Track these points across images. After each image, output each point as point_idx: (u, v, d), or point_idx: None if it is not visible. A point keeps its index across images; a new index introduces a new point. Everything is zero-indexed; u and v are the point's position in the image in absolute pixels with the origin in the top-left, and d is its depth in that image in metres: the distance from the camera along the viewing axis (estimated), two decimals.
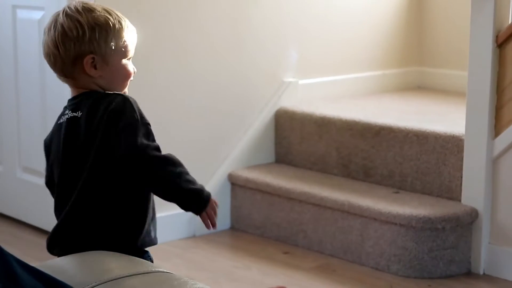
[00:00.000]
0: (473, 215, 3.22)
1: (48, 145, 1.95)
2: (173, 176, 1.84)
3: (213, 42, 3.68)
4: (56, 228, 1.88)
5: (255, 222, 3.67)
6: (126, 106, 1.83)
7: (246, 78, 3.82)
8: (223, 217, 3.75)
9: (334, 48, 4.19)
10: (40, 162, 3.61)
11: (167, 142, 3.50)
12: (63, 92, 3.42)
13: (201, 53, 3.65)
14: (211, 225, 1.95)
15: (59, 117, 1.93)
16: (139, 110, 1.86)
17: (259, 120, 3.86)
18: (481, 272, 3.24)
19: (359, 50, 4.30)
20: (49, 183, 1.95)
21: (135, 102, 1.86)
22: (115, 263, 1.61)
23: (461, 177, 3.28)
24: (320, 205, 3.43)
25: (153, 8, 3.46)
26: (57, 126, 1.92)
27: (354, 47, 4.27)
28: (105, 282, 1.48)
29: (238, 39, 3.77)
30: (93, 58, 1.86)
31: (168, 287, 1.48)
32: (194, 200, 1.89)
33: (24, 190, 3.74)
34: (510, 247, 3.19)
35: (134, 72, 1.95)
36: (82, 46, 1.85)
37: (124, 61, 1.90)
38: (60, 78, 1.94)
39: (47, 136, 1.97)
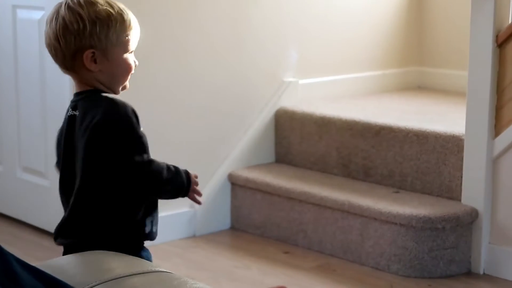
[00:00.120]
0: (473, 215, 3.22)
1: (59, 138, 1.97)
2: (160, 186, 1.90)
3: (213, 42, 3.68)
4: (62, 219, 1.92)
5: (255, 222, 3.68)
6: (113, 120, 1.83)
7: (246, 78, 3.82)
8: (223, 217, 3.76)
9: (334, 48, 4.19)
10: (40, 162, 3.62)
11: (167, 142, 3.52)
12: (63, 92, 3.43)
13: (201, 53, 3.65)
14: (199, 197, 1.98)
15: (66, 111, 1.95)
16: (129, 122, 1.84)
17: (259, 120, 3.86)
18: (481, 272, 3.24)
19: (359, 50, 4.30)
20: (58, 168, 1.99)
21: (124, 114, 1.84)
22: (115, 263, 1.61)
23: (461, 177, 3.28)
24: (320, 205, 3.43)
25: (153, 8, 3.46)
26: (64, 120, 1.95)
27: (354, 47, 4.27)
28: (105, 281, 1.48)
29: (238, 39, 3.77)
30: (93, 52, 1.86)
31: (168, 286, 1.48)
32: (179, 194, 1.95)
33: (24, 190, 3.74)
34: (510, 247, 3.19)
35: (135, 65, 1.94)
36: (82, 40, 1.85)
37: (125, 54, 1.90)
38: (62, 70, 1.94)
39: (59, 128, 1.99)
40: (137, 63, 1.94)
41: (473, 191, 3.25)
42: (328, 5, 4.13)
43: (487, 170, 3.21)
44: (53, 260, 1.67)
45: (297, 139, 3.82)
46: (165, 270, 1.57)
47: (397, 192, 3.44)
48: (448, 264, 3.20)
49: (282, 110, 3.88)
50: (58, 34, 1.86)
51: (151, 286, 1.49)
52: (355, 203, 3.31)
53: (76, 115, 1.89)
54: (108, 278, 1.49)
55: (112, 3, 1.89)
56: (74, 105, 1.91)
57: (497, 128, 3.19)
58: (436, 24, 4.51)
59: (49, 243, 3.42)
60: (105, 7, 1.86)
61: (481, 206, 3.22)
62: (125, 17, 1.89)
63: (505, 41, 3.14)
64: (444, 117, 3.65)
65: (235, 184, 3.74)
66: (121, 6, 1.90)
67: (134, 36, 1.92)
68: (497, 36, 3.15)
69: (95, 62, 1.87)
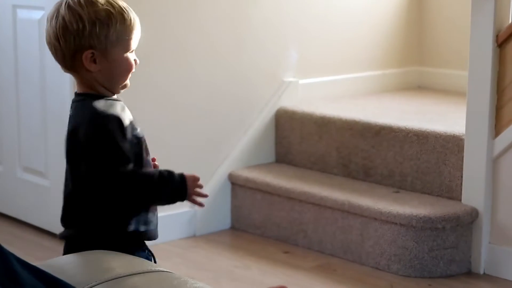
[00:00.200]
0: (473, 214, 3.22)
1: (66, 137, 1.99)
2: (149, 194, 1.87)
3: (213, 42, 3.68)
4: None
5: (255, 221, 3.68)
6: (92, 133, 1.82)
7: (246, 78, 3.82)
8: (223, 217, 3.76)
9: (334, 48, 4.19)
10: (40, 162, 3.62)
11: (167, 142, 3.52)
12: (63, 92, 3.43)
13: (201, 53, 3.65)
14: (202, 201, 1.91)
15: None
16: (109, 135, 1.82)
17: (259, 120, 3.86)
18: (481, 272, 3.24)
19: (359, 50, 4.30)
20: None
21: (104, 127, 1.82)
22: (115, 263, 1.61)
23: (461, 177, 3.28)
24: (320, 204, 3.43)
25: (153, 8, 3.46)
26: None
27: (354, 47, 4.27)
28: (105, 281, 1.48)
29: (238, 39, 3.77)
30: (93, 53, 1.85)
31: (168, 286, 1.48)
32: (176, 199, 1.90)
33: (24, 190, 3.75)
34: (510, 247, 3.19)
35: (136, 63, 1.93)
36: (82, 40, 1.84)
37: (126, 54, 1.89)
38: (62, 69, 1.94)
39: None
40: (138, 61, 1.93)
41: (473, 191, 3.25)
42: (328, 5, 4.13)
43: (487, 170, 3.21)
44: (53, 260, 1.67)
45: (297, 139, 3.82)
46: (165, 270, 1.57)
47: (397, 192, 3.44)
48: (448, 264, 3.20)
49: (282, 110, 3.88)
50: (58, 34, 1.85)
51: (151, 286, 1.49)
52: (355, 203, 3.31)
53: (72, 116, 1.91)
54: (108, 278, 1.49)
55: (113, 2, 1.87)
56: (72, 106, 1.92)
57: (497, 128, 3.19)
58: (436, 24, 4.51)
59: (49, 243, 3.42)
60: (105, 7, 1.85)
61: (481, 206, 3.22)
62: (126, 16, 1.87)
63: (505, 41, 3.14)
64: (444, 117, 3.65)
65: (235, 184, 3.74)
66: (123, 4, 1.89)
67: (136, 35, 1.90)
68: (497, 36, 3.15)
69: (94, 62, 1.86)
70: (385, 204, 3.27)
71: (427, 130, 3.39)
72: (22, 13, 3.63)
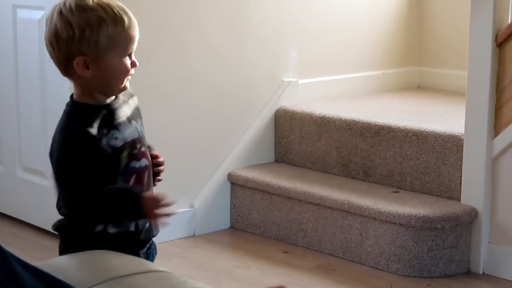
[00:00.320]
0: (473, 214, 3.23)
1: None
2: (95, 213, 1.88)
3: (212, 42, 3.68)
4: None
5: (255, 221, 3.68)
6: (60, 147, 1.84)
7: (246, 78, 3.82)
8: (223, 217, 3.76)
9: (334, 48, 4.19)
10: (40, 162, 3.62)
11: (167, 142, 3.52)
12: (63, 92, 3.42)
13: (201, 53, 3.65)
14: (164, 221, 1.87)
15: None
16: (65, 153, 1.84)
17: (259, 120, 3.86)
18: (481, 272, 3.24)
19: (359, 50, 4.30)
20: None
21: (62, 145, 1.85)
22: (115, 263, 1.61)
23: (461, 177, 3.29)
24: (320, 204, 3.43)
25: (152, 8, 3.47)
26: None
27: (354, 47, 4.27)
28: (105, 281, 1.48)
29: (238, 39, 3.77)
30: (85, 59, 1.83)
31: (168, 286, 1.48)
32: (130, 218, 1.90)
33: (24, 190, 3.75)
34: (509, 247, 3.19)
35: (135, 65, 1.90)
36: (72, 47, 1.82)
37: (121, 58, 1.86)
38: (60, 73, 1.94)
39: None
40: (137, 64, 1.91)
41: (472, 191, 3.25)
42: (328, 5, 4.13)
43: (487, 170, 3.21)
44: (53, 260, 1.68)
45: (296, 138, 3.82)
46: (165, 270, 1.58)
47: (396, 191, 3.44)
48: (447, 264, 3.20)
49: (282, 110, 3.88)
50: (51, 40, 1.85)
51: (151, 286, 1.49)
52: (355, 203, 3.31)
53: None
54: (108, 277, 1.50)
55: (106, 6, 1.83)
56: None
57: (496, 127, 3.20)
58: (435, 24, 4.51)
59: (49, 243, 3.42)
60: (96, 13, 1.81)
61: (481, 206, 3.23)
62: (119, 20, 1.83)
63: (505, 41, 3.14)
64: (443, 117, 3.65)
65: (235, 183, 3.75)
66: (117, 8, 1.85)
67: (132, 38, 1.87)
68: (496, 36, 3.16)
69: (87, 68, 1.84)
70: (384, 204, 3.27)
71: (427, 130, 3.40)
72: (22, 13, 3.63)
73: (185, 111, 3.62)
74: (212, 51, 3.68)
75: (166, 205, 1.81)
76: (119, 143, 1.88)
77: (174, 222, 3.54)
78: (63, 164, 1.84)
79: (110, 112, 1.90)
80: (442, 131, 3.36)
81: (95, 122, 1.86)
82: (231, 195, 3.77)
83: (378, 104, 4.00)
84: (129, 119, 1.93)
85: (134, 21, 1.88)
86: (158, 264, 1.69)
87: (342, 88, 4.21)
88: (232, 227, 3.77)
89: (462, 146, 3.27)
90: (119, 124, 1.90)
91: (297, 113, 3.82)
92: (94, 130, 1.84)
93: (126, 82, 1.92)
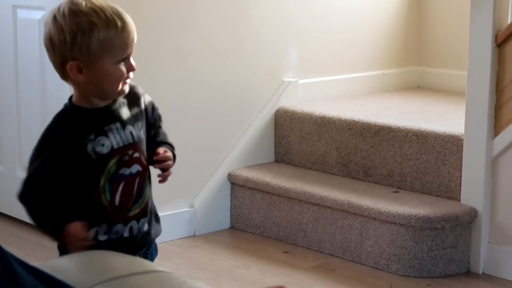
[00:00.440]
0: (473, 214, 3.23)
1: None
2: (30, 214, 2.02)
3: (212, 42, 3.68)
4: None
5: (255, 221, 3.68)
6: (38, 140, 1.97)
7: (246, 78, 3.82)
8: (223, 217, 3.76)
9: (334, 48, 4.19)
10: None
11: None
12: (63, 92, 3.42)
13: (201, 53, 3.65)
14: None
15: None
16: (37, 147, 1.96)
17: (258, 120, 3.87)
18: (481, 272, 3.24)
19: (359, 50, 4.30)
20: None
21: (40, 139, 1.97)
22: (115, 262, 1.61)
23: (461, 177, 3.29)
24: (319, 204, 3.43)
25: (152, 8, 3.47)
26: None
27: (354, 47, 4.27)
28: (105, 281, 1.48)
29: (238, 39, 3.77)
30: (77, 64, 1.83)
31: (168, 286, 1.49)
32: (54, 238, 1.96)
33: None
34: (509, 247, 3.20)
35: (133, 70, 1.88)
36: (65, 52, 1.82)
37: (114, 63, 1.84)
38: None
39: None
40: (135, 67, 1.88)
41: (472, 191, 3.25)
42: (328, 5, 4.13)
43: (486, 170, 3.21)
44: (53, 260, 1.68)
45: (296, 138, 3.82)
46: (165, 270, 1.58)
47: (396, 192, 3.44)
48: (447, 264, 3.21)
49: (281, 110, 3.88)
50: (46, 45, 1.86)
51: (151, 286, 1.49)
52: (355, 203, 3.31)
53: None
54: (108, 278, 1.50)
55: (99, 11, 1.80)
56: None
57: (496, 128, 3.20)
58: (435, 24, 4.51)
59: (49, 243, 3.40)
60: (88, 17, 1.79)
61: (480, 206, 3.23)
62: (113, 24, 1.80)
63: (504, 41, 3.14)
64: (443, 117, 3.65)
65: (235, 183, 3.75)
66: (111, 12, 1.82)
67: (126, 42, 1.83)
68: (496, 36, 3.16)
69: (81, 72, 1.84)
70: (384, 204, 3.27)
71: (427, 130, 3.40)
72: (22, 13, 3.63)
73: (185, 111, 3.62)
74: (212, 51, 3.68)
75: (85, 238, 1.85)
76: (105, 150, 1.87)
77: (174, 222, 3.56)
78: (33, 152, 1.96)
79: (101, 117, 1.89)
80: (442, 131, 3.36)
81: (81, 127, 1.87)
82: (231, 195, 3.77)
83: (378, 104, 4.00)
84: (123, 124, 1.91)
85: (130, 25, 1.84)
86: (158, 264, 1.69)
87: (342, 88, 4.21)
88: (232, 227, 3.77)
89: (462, 146, 3.27)
90: (110, 129, 1.89)
91: (297, 113, 3.82)
92: (74, 135, 1.88)
93: (124, 86, 1.90)
